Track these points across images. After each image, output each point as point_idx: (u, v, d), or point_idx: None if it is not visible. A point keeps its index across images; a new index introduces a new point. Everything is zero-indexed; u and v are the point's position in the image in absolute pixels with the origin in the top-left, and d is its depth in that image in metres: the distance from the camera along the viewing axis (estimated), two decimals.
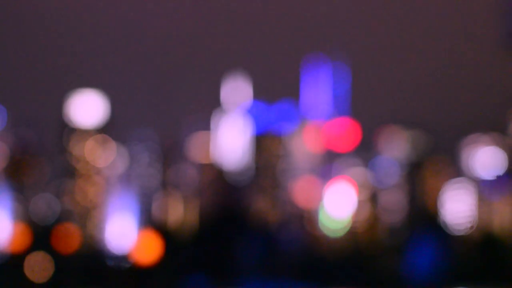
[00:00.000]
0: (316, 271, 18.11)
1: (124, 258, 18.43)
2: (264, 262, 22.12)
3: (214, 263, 21.36)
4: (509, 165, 21.27)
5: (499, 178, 21.29)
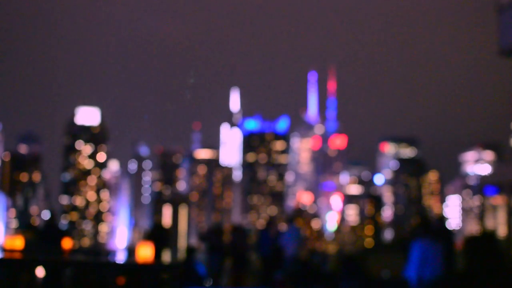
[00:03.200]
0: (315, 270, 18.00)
1: (119, 256, 18.10)
2: (264, 259, 21.72)
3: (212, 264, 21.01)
4: (497, 177, 21.09)
5: (487, 188, 20.97)
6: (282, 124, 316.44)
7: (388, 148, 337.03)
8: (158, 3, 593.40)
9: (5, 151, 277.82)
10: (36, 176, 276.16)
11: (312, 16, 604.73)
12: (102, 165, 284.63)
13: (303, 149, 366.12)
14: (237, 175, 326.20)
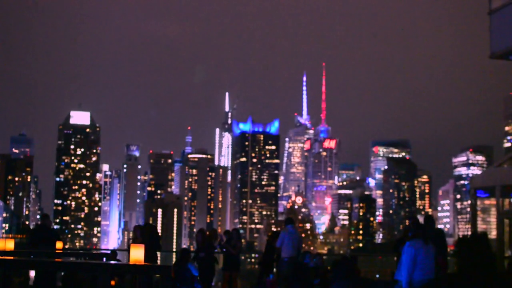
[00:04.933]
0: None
1: (111, 257, 17.99)
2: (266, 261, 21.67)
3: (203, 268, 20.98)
4: (487, 180, 21.07)
5: (478, 191, 20.99)
6: (274, 127, 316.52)
7: (380, 151, 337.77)
8: (154, 7, 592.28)
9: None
10: (29, 179, 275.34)
11: (306, 25, 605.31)
12: (94, 168, 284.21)
13: (295, 151, 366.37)
14: (229, 177, 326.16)
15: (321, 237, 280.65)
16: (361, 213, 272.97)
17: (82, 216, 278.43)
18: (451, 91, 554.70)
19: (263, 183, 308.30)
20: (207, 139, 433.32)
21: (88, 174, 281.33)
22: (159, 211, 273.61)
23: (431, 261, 12.40)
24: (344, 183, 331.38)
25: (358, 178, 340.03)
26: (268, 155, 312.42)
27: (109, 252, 18.21)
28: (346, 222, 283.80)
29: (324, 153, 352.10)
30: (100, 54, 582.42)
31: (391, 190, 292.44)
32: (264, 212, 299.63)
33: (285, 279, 19.15)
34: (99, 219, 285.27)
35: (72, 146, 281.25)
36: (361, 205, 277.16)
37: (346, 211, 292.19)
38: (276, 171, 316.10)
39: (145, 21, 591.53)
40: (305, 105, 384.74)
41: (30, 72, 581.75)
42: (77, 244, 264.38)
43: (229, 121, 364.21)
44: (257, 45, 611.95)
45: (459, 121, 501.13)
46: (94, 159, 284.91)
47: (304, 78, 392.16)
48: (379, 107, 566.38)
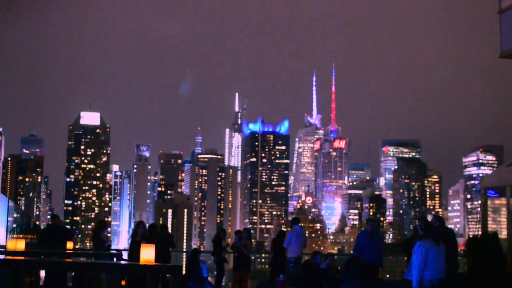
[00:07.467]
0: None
1: (122, 257, 17.98)
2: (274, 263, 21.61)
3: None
4: (498, 180, 21.06)
5: (488, 191, 20.94)
6: (284, 127, 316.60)
7: (390, 151, 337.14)
8: (164, 8, 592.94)
9: (8, 154, 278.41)
10: (39, 179, 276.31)
11: (315, 26, 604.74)
12: (104, 168, 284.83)
13: (305, 151, 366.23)
14: (239, 177, 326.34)
15: (331, 237, 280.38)
16: (371, 213, 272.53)
17: (92, 216, 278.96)
18: (461, 91, 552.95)
19: (273, 183, 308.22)
20: (217, 140, 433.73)
21: (98, 174, 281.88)
22: (169, 211, 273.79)
23: (441, 261, 12.39)
24: (354, 183, 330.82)
25: (368, 178, 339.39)
26: (278, 155, 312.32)
27: (117, 252, 18.25)
28: (356, 222, 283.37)
29: (334, 153, 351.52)
30: (110, 55, 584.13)
31: (401, 190, 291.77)
32: (274, 212, 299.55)
33: (294, 279, 19.13)
34: (109, 219, 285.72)
35: (82, 147, 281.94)
36: (371, 205, 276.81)
37: (356, 211, 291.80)
38: (286, 171, 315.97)
39: (155, 22, 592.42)
40: (315, 105, 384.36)
41: (40, 73, 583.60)
42: (87, 244, 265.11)
43: (239, 121, 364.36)
44: (267, 45, 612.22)
45: (469, 120, 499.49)
46: (104, 159, 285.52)
47: (314, 78, 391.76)
48: (389, 107, 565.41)
